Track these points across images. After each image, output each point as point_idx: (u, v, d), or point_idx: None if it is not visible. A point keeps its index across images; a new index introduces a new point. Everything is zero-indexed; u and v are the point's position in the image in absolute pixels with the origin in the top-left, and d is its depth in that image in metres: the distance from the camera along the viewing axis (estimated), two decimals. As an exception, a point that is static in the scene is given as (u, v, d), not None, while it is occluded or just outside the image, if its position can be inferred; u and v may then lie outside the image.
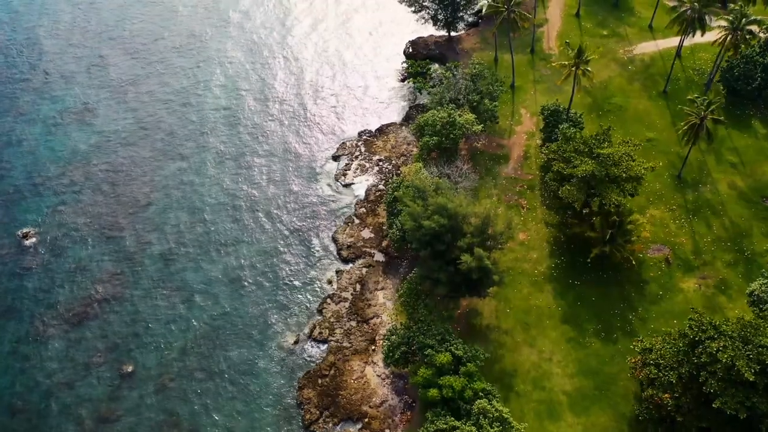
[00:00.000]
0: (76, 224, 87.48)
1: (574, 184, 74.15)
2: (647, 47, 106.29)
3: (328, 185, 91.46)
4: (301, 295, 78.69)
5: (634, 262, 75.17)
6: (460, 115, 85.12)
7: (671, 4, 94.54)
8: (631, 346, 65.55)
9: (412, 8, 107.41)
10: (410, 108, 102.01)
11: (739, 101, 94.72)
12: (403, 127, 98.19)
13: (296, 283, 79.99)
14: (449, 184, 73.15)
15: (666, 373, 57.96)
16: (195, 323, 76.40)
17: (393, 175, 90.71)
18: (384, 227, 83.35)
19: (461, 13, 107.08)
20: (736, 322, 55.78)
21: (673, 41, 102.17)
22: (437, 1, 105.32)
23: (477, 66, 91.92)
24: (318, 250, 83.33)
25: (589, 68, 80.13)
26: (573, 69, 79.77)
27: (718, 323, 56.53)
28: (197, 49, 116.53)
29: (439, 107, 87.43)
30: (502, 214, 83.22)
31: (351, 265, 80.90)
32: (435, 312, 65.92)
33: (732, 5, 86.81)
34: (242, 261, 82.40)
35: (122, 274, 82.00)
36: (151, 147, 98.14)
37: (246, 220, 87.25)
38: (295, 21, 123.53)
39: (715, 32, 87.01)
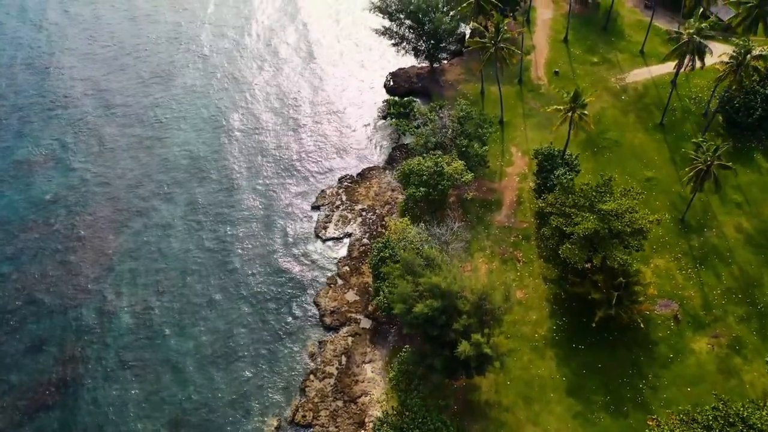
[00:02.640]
0: (31, 295, 79.41)
1: (575, 242, 68.27)
2: (640, 74, 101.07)
3: (308, 241, 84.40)
4: (281, 371, 71.62)
5: (641, 324, 69.47)
6: (448, 164, 78.85)
7: (668, 30, 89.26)
8: (647, 430, 59.77)
9: (392, 40, 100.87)
10: (393, 149, 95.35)
11: (739, 133, 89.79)
12: (387, 171, 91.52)
13: (276, 357, 72.84)
14: (439, 251, 66.68)
15: (689, 468, 52.25)
16: (163, 408, 68.91)
17: (378, 226, 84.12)
18: (370, 288, 76.77)
19: (444, 44, 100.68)
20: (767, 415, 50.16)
21: (667, 67, 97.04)
22: (418, 32, 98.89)
23: (464, 107, 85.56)
24: (299, 318, 76.28)
25: (585, 112, 74.23)
26: (569, 114, 73.79)
27: (746, 414, 50.90)
28: (166, 97, 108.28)
29: (425, 154, 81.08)
30: (496, 269, 77.67)
31: (335, 333, 74.08)
32: (430, 400, 59.51)
33: (734, 39, 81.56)
34: (214, 334, 75.08)
35: (83, 351, 74.28)
36: (113, 202, 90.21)
37: (218, 285, 79.82)
38: (269, 53, 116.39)
39: (717, 63, 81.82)
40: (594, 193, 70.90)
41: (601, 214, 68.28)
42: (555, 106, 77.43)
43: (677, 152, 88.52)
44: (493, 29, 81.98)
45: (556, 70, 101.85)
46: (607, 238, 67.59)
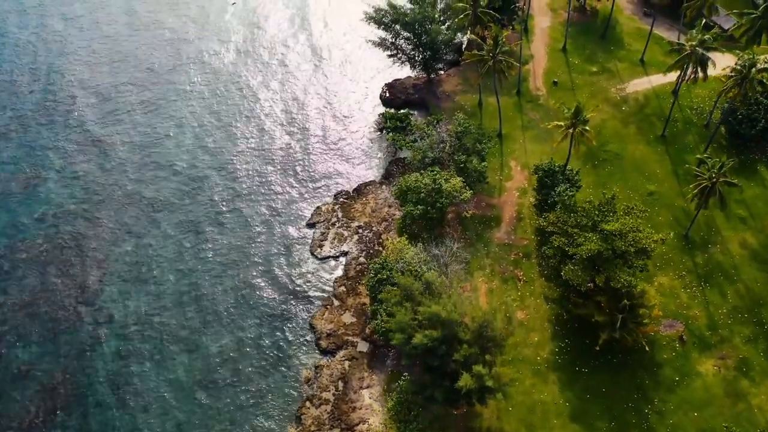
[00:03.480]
0: (17, 319, 77.11)
1: (578, 262, 66.41)
2: (640, 84, 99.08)
3: (303, 260, 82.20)
4: (276, 397, 69.55)
5: (646, 347, 67.55)
6: (446, 180, 76.85)
7: (671, 42, 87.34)
8: (654, 461, 58.04)
9: (387, 51, 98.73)
10: (390, 163, 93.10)
11: (742, 144, 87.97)
12: (383, 186, 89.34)
13: (270, 383, 70.78)
14: (438, 274, 64.63)
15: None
16: (155, 438, 66.97)
17: (375, 244, 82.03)
18: (367, 309, 74.64)
19: (439, 54, 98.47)
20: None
21: (667, 77, 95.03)
22: (414, 43, 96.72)
23: (462, 122, 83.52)
24: (293, 341, 74.17)
25: (587, 128, 72.31)
26: (570, 130, 71.87)
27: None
28: (160, 108, 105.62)
29: (422, 170, 79.05)
30: (496, 288, 75.79)
31: (331, 357, 72.00)
32: (430, 431, 57.49)
33: (737, 50, 79.77)
34: (206, 359, 72.87)
35: (72, 377, 72.07)
36: (103, 222, 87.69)
37: (209, 307, 77.57)
38: (262, 65, 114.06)
39: (722, 77, 79.90)
40: (596, 212, 69.07)
41: (604, 234, 66.47)
42: (555, 122, 75.50)
43: (680, 165, 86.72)
44: (491, 41, 79.96)
45: (555, 80, 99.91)
46: (611, 259, 65.80)
